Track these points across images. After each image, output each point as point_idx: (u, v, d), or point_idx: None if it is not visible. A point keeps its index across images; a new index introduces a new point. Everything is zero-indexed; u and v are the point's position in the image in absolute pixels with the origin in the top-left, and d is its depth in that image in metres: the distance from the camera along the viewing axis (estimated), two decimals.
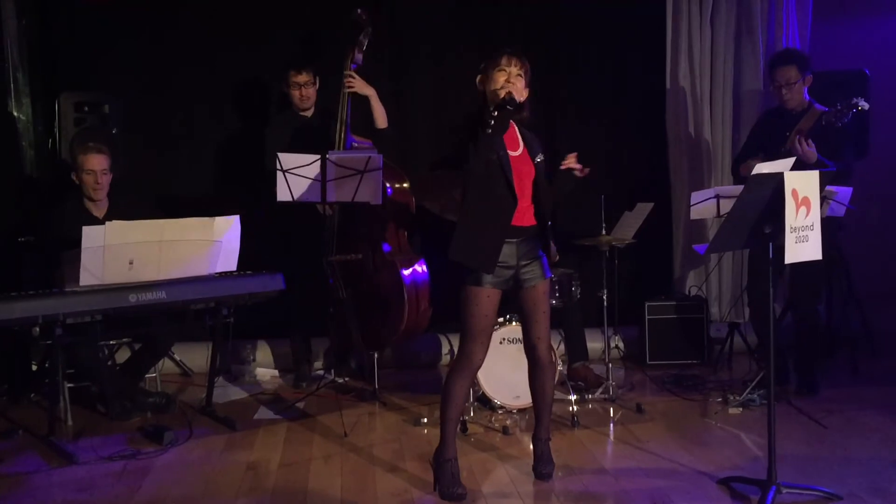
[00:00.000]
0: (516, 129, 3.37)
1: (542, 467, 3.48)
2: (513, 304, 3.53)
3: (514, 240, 3.28)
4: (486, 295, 3.25)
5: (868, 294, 5.54)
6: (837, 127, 4.28)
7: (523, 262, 3.32)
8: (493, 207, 3.25)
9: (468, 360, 3.30)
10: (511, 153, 3.30)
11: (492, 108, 3.11)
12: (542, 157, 3.37)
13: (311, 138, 4.84)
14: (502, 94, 3.18)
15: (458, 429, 3.49)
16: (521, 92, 3.24)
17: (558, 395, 4.28)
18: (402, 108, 5.61)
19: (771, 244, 3.16)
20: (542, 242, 3.39)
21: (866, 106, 4.19)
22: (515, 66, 3.24)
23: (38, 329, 3.70)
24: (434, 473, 3.39)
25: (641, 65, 5.92)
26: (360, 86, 4.81)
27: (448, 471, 3.33)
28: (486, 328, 3.30)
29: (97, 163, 4.37)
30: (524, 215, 3.30)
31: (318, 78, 4.96)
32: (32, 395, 4.81)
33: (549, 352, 3.44)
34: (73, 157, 4.48)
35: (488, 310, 3.27)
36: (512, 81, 3.22)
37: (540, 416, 3.49)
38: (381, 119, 4.89)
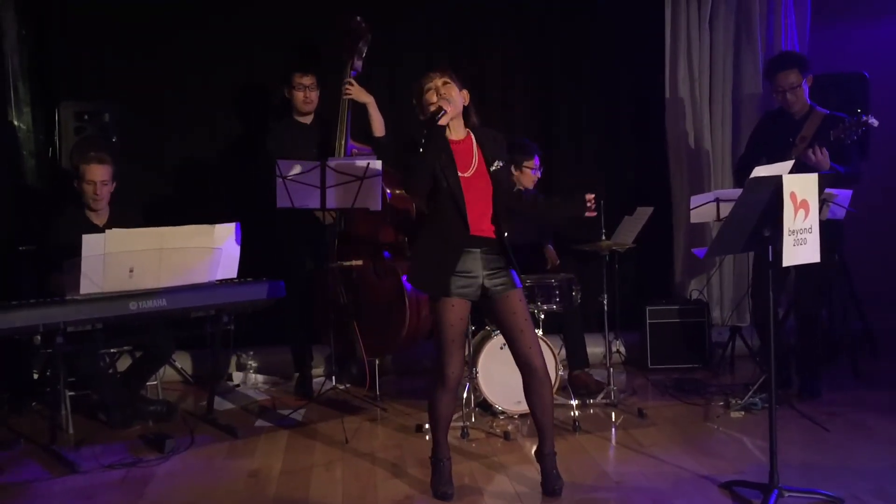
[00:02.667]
0: (472, 138, 3.32)
1: (553, 484, 3.34)
2: (492, 319, 3.54)
3: (477, 249, 3.27)
4: (452, 304, 3.25)
5: (868, 296, 5.53)
6: (846, 144, 4.27)
7: (488, 272, 3.30)
8: (446, 235, 3.25)
9: (442, 372, 3.30)
10: (462, 174, 3.25)
11: (424, 129, 3.14)
12: (500, 163, 3.31)
13: (311, 145, 4.85)
14: (432, 108, 3.18)
15: (448, 433, 3.48)
16: (455, 98, 3.23)
17: (559, 399, 4.28)
18: (395, 112, 5.61)
19: (771, 247, 3.15)
20: (506, 254, 3.32)
21: (876, 123, 4.17)
22: (438, 78, 3.24)
23: (38, 338, 3.71)
24: (431, 470, 3.43)
25: (640, 69, 5.93)
26: (358, 93, 4.82)
27: (438, 470, 3.39)
28: (456, 338, 3.27)
29: (99, 173, 4.37)
30: (486, 227, 3.28)
31: (319, 84, 4.97)
32: (34, 403, 4.81)
33: (542, 361, 3.32)
34: (75, 164, 4.48)
35: (454, 320, 3.25)
36: (442, 93, 3.21)
37: (543, 430, 3.36)
38: (378, 127, 4.89)
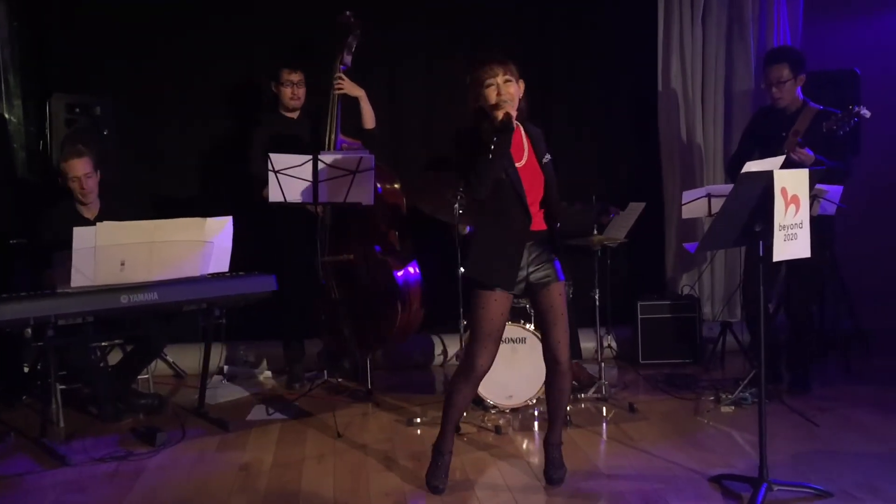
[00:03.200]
0: (521, 130, 3.29)
1: (554, 472, 3.42)
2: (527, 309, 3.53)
3: (525, 243, 3.25)
4: (494, 298, 3.22)
5: (860, 293, 5.55)
6: (839, 135, 4.27)
7: (534, 266, 3.28)
8: (509, 225, 3.21)
9: (471, 363, 3.27)
10: (517, 164, 3.22)
11: (493, 135, 3.06)
12: (549, 156, 3.30)
13: (297, 140, 4.85)
14: (500, 115, 3.10)
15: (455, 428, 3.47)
16: (514, 97, 3.17)
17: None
18: (394, 111, 5.62)
19: (762, 242, 3.16)
20: (552, 245, 3.33)
21: (868, 114, 4.17)
22: (500, 73, 3.16)
23: (29, 331, 3.70)
24: (430, 461, 3.41)
25: (633, 65, 5.94)
26: (350, 87, 4.82)
27: (437, 463, 3.38)
28: (493, 332, 3.24)
29: (79, 168, 4.35)
30: (535, 220, 3.26)
31: (305, 80, 4.96)
32: (24, 397, 4.80)
33: (568, 358, 3.34)
34: (58, 165, 4.48)
35: (495, 314, 3.23)
36: (502, 93, 3.16)
37: (554, 421, 3.43)
38: (369, 120, 4.90)
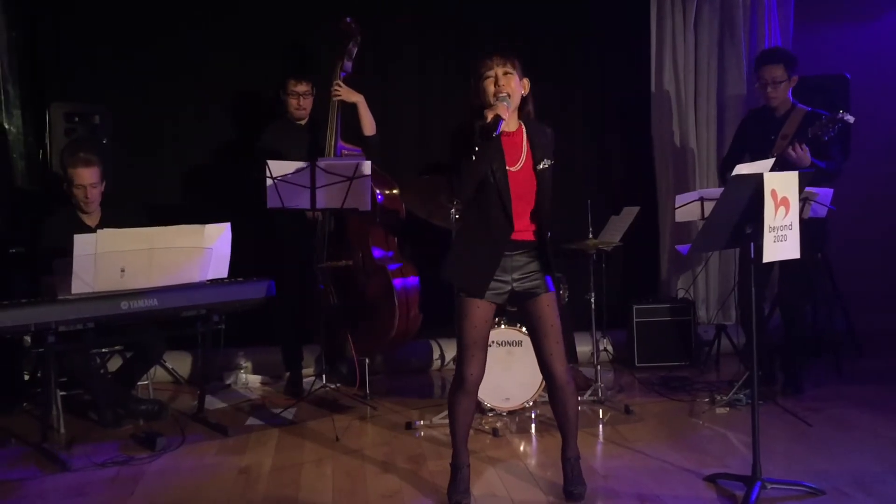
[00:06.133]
0: (523, 131, 3.16)
1: (573, 488, 3.27)
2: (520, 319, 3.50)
3: (510, 253, 3.13)
4: (476, 306, 3.12)
5: (853, 296, 5.61)
6: (824, 140, 4.32)
7: (519, 276, 3.16)
8: (488, 231, 3.10)
9: (460, 372, 3.18)
10: (510, 168, 3.08)
11: (477, 136, 2.93)
12: (549, 162, 3.14)
13: (302, 146, 4.89)
14: (489, 115, 2.92)
15: (468, 438, 3.31)
16: (515, 92, 3.04)
17: (545, 397, 4.31)
18: (386, 116, 5.66)
19: (753, 244, 3.21)
20: (542, 257, 3.18)
21: (851, 120, 4.21)
22: (499, 65, 3.03)
23: (28, 338, 3.73)
24: (450, 476, 3.32)
25: (627, 71, 6.00)
26: (347, 94, 4.86)
27: (456, 478, 3.28)
28: (477, 340, 3.15)
29: (87, 176, 4.38)
30: (520, 229, 3.13)
31: (315, 89, 5.01)
32: (24, 404, 4.82)
33: (565, 369, 3.19)
34: (63, 169, 4.50)
35: (478, 321, 3.13)
36: (502, 84, 3.02)
37: (565, 435, 3.29)
38: (368, 126, 4.93)
